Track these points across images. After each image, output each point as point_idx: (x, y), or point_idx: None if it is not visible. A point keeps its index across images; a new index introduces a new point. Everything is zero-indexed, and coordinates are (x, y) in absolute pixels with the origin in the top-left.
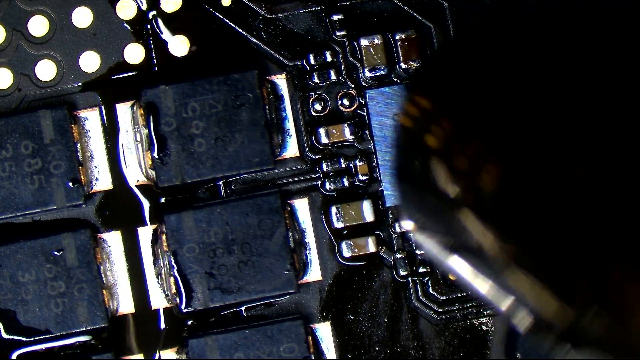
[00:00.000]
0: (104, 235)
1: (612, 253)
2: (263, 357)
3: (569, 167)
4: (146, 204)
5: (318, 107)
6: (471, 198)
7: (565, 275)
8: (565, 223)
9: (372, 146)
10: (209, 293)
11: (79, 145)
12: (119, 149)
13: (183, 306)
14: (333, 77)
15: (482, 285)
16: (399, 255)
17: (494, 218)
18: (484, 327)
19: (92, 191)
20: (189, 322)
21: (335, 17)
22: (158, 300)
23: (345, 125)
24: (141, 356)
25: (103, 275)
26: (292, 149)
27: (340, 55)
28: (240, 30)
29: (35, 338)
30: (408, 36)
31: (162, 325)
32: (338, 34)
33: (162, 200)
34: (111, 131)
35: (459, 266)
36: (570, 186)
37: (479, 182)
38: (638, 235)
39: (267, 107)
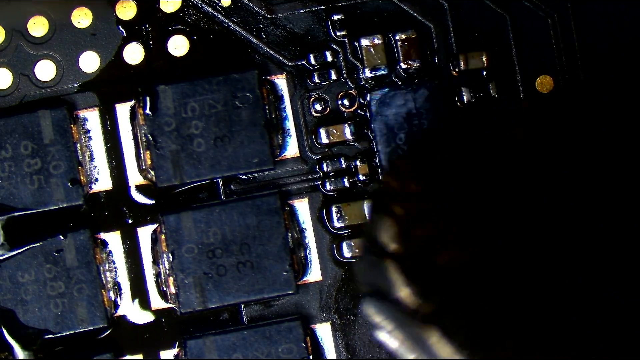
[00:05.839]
0: (103, 235)
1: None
2: (261, 357)
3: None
4: (146, 204)
5: (318, 107)
6: (400, 249)
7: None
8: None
9: (372, 146)
10: (207, 293)
11: (78, 145)
12: (118, 149)
13: (182, 306)
14: (333, 77)
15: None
16: None
17: (418, 275)
18: None
19: (91, 191)
20: (188, 322)
21: (336, 17)
22: (158, 300)
23: (346, 125)
24: (141, 356)
25: (103, 275)
26: (292, 149)
27: (341, 55)
28: (240, 30)
29: (35, 337)
30: (408, 36)
31: (162, 325)
32: (338, 34)
33: (161, 200)
34: (111, 131)
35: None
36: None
37: (410, 243)
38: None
39: (267, 107)
